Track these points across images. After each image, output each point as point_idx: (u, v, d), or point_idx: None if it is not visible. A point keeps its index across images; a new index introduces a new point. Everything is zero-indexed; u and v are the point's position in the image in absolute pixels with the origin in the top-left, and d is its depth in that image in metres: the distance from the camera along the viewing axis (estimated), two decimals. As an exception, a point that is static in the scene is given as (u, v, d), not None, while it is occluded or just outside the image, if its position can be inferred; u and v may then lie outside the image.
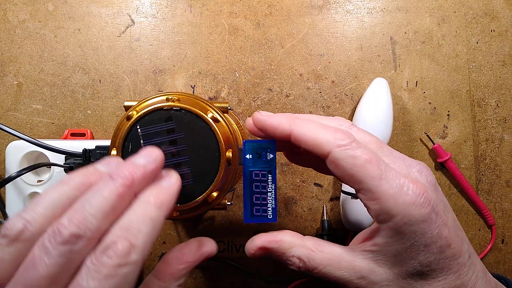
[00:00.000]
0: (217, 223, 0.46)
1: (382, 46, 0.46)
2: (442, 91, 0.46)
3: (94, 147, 0.36)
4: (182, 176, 0.28)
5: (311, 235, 0.46)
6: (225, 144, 0.29)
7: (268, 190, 0.29)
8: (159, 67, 0.46)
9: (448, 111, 0.46)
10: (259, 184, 0.29)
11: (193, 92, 0.45)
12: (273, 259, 0.30)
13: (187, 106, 0.29)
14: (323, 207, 0.46)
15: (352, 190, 0.41)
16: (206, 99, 0.37)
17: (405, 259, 0.26)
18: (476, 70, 0.46)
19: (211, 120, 0.29)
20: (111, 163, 0.24)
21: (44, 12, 0.46)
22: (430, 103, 0.46)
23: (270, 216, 0.29)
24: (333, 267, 0.27)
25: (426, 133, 0.45)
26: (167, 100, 0.29)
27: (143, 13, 0.46)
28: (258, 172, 0.29)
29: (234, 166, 0.30)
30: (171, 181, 0.24)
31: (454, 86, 0.46)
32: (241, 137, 0.38)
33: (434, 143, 0.45)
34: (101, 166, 0.24)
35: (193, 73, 0.46)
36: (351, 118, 0.46)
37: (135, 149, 0.28)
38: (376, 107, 0.42)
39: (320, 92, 0.46)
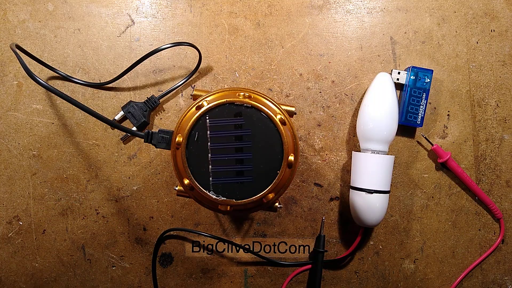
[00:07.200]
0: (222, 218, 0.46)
1: (382, 46, 0.46)
2: (442, 91, 0.46)
3: (157, 131, 0.34)
4: (242, 172, 0.29)
5: (311, 235, 0.46)
6: (288, 148, 0.29)
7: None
8: (159, 67, 0.46)
9: (448, 111, 0.46)
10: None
11: (192, 92, 0.45)
12: None
13: (259, 105, 0.29)
14: (322, 220, 0.45)
15: (363, 186, 0.41)
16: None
17: None
18: (476, 70, 0.46)
19: (279, 122, 0.29)
20: None
21: (44, 12, 0.46)
22: (430, 103, 0.46)
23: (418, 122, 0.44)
24: None
25: (423, 135, 0.45)
26: (238, 95, 0.29)
27: (143, 13, 0.47)
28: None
29: (294, 170, 0.30)
30: None
31: (454, 86, 0.46)
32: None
33: (432, 144, 0.45)
34: None
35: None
36: (353, 116, 0.46)
37: (201, 139, 0.29)
38: (381, 101, 0.42)
39: (320, 92, 0.46)
